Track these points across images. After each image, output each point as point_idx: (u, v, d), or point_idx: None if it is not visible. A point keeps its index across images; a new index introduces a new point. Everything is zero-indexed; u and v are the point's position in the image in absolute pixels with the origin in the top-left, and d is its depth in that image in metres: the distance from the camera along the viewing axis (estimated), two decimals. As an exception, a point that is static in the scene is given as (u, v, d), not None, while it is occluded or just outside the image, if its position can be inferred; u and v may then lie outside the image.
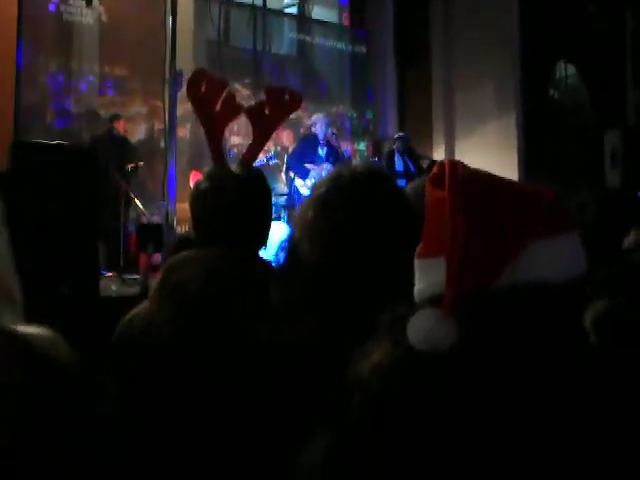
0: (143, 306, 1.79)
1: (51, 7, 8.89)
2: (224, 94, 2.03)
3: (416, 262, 1.02)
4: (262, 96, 2.10)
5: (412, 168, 9.28)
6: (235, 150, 9.07)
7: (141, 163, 8.19)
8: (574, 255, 1.00)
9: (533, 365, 0.93)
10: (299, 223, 1.57)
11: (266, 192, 1.97)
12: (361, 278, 1.45)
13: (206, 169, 2.01)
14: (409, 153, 9.42)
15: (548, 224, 0.98)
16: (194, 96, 2.06)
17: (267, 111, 2.03)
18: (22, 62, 8.64)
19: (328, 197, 1.53)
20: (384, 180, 1.62)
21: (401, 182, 8.83)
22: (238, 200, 1.87)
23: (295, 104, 2.10)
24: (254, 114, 2.11)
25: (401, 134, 9.62)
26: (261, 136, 2.07)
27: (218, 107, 2.03)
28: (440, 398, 0.93)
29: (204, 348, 1.61)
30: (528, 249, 0.95)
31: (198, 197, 1.93)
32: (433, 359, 0.93)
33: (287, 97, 2.07)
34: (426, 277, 1.00)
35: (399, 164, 9.27)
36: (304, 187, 8.12)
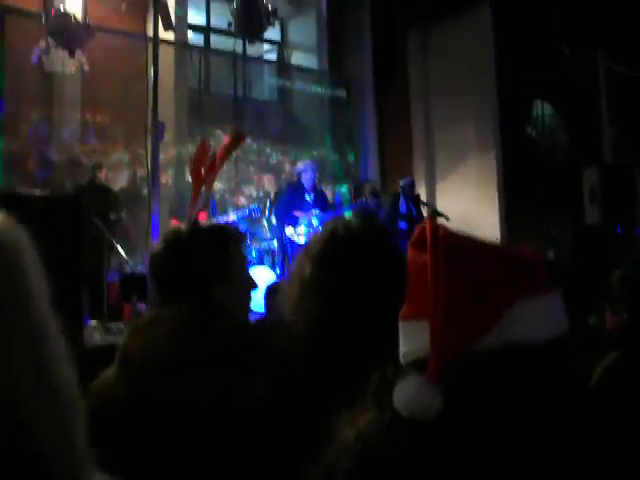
0: (110, 369, 1.81)
1: (34, 58, 8.95)
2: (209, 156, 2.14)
3: (400, 324, 1.02)
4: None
5: (414, 212, 9.38)
6: (216, 196, 9.09)
7: (123, 214, 8.18)
8: (556, 314, 1.00)
9: (519, 432, 0.93)
10: (296, 280, 1.57)
11: (211, 248, 1.99)
12: (358, 336, 1.45)
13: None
14: (413, 198, 9.54)
15: (530, 285, 0.98)
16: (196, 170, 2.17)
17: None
18: (4, 111, 8.67)
19: (324, 255, 1.54)
20: (379, 235, 1.64)
21: (403, 224, 8.94)
22: (179, 260, 1.92)
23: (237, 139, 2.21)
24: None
25: (407, 178, 9.74)
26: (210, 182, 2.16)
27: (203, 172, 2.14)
28: (423, 467, 0.93)
29: (172, 406, 1.63)
30: (511, 310, 0.95)
31: (155, 257, 1.99)
32: (418, 426, 0.93)
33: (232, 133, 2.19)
34: (410, 340, 1.00)
35: (403, 207, 9.35)
36: (295, 235, 8.14)
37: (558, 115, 13.85)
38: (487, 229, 11.72)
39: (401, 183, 9.70)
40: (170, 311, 1.88)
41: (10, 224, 0.79)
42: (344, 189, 11.47)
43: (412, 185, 9.70)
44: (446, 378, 0.93)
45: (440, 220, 9.77)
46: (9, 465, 0.70)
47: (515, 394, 0.95)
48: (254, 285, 2.04)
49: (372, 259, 1.54)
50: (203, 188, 2.61)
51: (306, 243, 1.70)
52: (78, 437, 0.79)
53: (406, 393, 0.95)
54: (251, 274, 2.08)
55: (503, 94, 12.30)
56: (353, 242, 1.57)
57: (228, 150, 2.25)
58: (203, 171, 2.24)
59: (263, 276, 8.21)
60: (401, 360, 1.02)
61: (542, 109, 14.10)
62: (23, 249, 0.80)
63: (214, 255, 1.95)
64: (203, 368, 1.71)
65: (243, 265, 2.03)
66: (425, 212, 9.64)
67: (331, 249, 1.55)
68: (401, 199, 9.40)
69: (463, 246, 1.00)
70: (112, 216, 7.94)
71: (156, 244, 2.00)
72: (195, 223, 2.09)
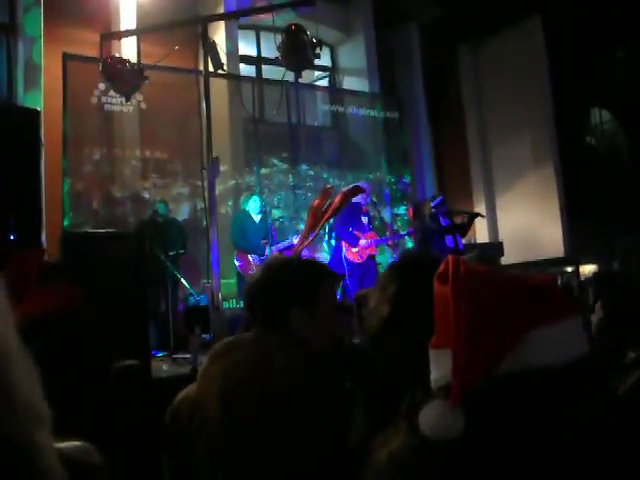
0: (191, 389, 1.86)
1: (93, 99, 9.26)
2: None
3: (430, 352, 1.08)
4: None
5: (450, 225, 9.41)
6: (276, 224, 9.19)
7: (182, 251, 8.32)
8: (575, 338, 1.04)
9: (539, 454, 0.97)
10: (375, 318, 1.61)
11: (310, 281, 2.03)
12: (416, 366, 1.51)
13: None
14: (446, 212, 9.55)
15: (546, 312, 1.02)
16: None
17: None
18: (68, 152, 8.96)
19: (401, 296, 1.60)
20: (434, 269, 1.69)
21: (448, 238, 9.00)
22: (276, 291, 1.95)
23: (350, 193, 2.25)
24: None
25: (441, 197, 9.75)
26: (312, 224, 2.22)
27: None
28: None
29: (250, 432, 1.67)
30: (530, 336, 0.99)
31: (248, 282, 2.04)
32: (444, 449, 0.98)
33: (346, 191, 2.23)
34: (438, 367, 1.06)
35: (443, 222, 9.40)
36: (352, 254, 8.16)
37: (617, 121, 13.62)
38: (550, 243, 11.56)
39: (432, 204, 9.71)
40: (248, 337, 1.92)
41: None
42: (401, 210, 11.45)
43: (443, 202, 9.71)
44: (469, 401, 0.98)
45: (477, 220, 9.77)
46: None
47: (533, 416, 0.98)
48: (339, 329, 2.04)
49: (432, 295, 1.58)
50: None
51: (380, 278, 1.74)
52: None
53: (430, 416, 1.00)
54: (340, 319, 2.06)
55: (559, 104, 12.17)
56: (423, 279, 1.60)
57: (344, 201, 2.33)
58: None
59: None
60: (432, 386, 1.07)
61: (600, 116, 13.88)
62: None
63: (303, 285, 1.98)
64: (276, 397, 1.73)
65: (331, 305, 2.02)
66: (460, 219, 9.59)
67: (406, 289, 1.58)
68: (439, 216, 9.41)
69: (482, 277, 1.05)
70: (175, 249, 8.07)
71: (256, 270, 2.07)
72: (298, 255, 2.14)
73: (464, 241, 9.45)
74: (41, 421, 0.87)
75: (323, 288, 1.99)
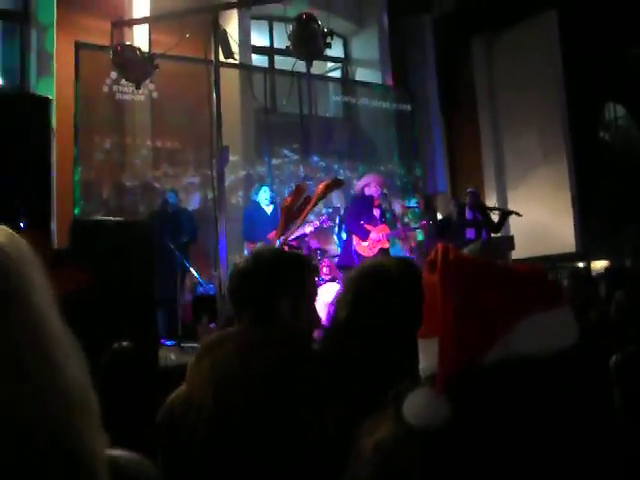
0: (180, 389, 1.86)
1: (105, 88, 9.27)
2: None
3: (419, 342, 1.08)
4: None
5: (479, 219, 9.44)
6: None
7: (192, 241, 8.33)
8: (563, 328, 1.03)
9: (522, 442, 0.96)
10: (334, 322, 1.71)
11: (299, 273, 2.02)
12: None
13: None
14: (479, 206, 9.57)
15: (535, 301, 1.01)
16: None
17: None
18: (79, 140, 8.98)
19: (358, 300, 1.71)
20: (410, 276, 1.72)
21: (470, 232, 9.02)
22: (267, 281, 1.94)
23: (331, 185, 2.25)
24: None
25: (471, 189, 9.78)
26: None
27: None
28: (434, 476, 0.97)
29: (242, 428, 1.66)
30: (519, 325, 0.99)
31: (231, 275, 2.02)
32: (429, 437, 0.98)
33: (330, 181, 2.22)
34: (426, 356, 1.05)
35: (469, 215, 9.42)
36: (363, 248, 8.08)
37: (631, 116, 13.53)
38: (561, 238, 11.50)
39: (466, 193, 9.75)
40: (236, 330, 1.91)
41: (10, 233, 0.89)
42: (412, 203, 11.40)
43: (476, 195, 9.72)
44: (455, 389, 0.98)
45: (512, 217, 9.81)
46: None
47: (518, 405, 0.98)
48: (318, 323, 2.05)
49: (405, 301, 1.62)
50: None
51: (345, 282, 1.82)
52: (84, 417, 0.86)
53: (415, 404, 1.01)
54: (318, 312, 2.08)
55: (572, 98, 12.10)
56: (376, 287, 1.70)
57: (324, 193, 2.33)
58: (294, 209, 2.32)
59: (334, 293, 8.21)
60: (421, 375, 1.07)
61: (614, 111, 13.79)
62: (25, 256, 0.89)
63: (293, 276, 1.98)
64: (266, 386, 1.73)
65: (312, 298, 2.03)
66: (496, 216, 9.60)
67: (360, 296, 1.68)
68: (467, 209, 9.41)
69: (471, 266, 1.05)
70: (184, 238, 8.08)
71: (239, 261, 2.04)
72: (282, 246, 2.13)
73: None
74: (86, 408, 0.86)
75: (309, 280, 2.01)
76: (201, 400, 1.74)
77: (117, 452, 0.94)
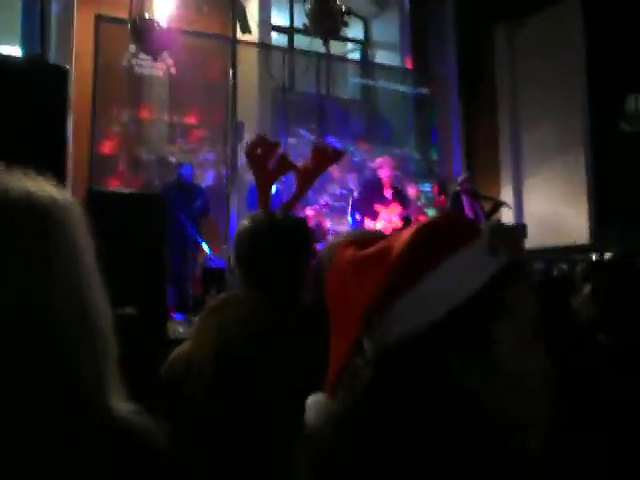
0: (183, 346, 1.87)
1: (124, 61, 9.29)
2: (278, 154, 2.21)
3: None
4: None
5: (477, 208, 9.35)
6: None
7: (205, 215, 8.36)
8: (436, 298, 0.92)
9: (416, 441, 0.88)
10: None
11: (304, 239, 2.02)
12: None
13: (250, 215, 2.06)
14: (473, 194, 9.48)
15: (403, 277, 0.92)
16: (251, 155, 2.24)
17: (310, 164, 2.18)
18: (97, 113, 9.02)
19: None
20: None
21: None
22: (274, 245, 1.94)
23: (336, 156, 2.24)
24: (301, 171, 2.26)
25: (466, 176, 9.70)
26: (303, 185, 2.19)
27: (271, 165, 2.20)
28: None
29: (242, 386, 1.67)
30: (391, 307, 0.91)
31: (239, 238, 2.01)
32: (319, 443, 0.96)
33: (330, 151, 2.21)
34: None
35: (466, 201, 9.36)
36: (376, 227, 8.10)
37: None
38: (575, 230, 11.43)
39: (459, 180, 9.67)
40: (243, 294, 1.91)
41: (65, 194, 0.99)
42: (426, 187, 11.37)
43: (468, 180, 9.66)
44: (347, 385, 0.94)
45: (503, 209, 9.72)
46: (43, 375, 0.84)
47: (410, 393, 0.90)
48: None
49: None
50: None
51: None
52: (107, 368, 0.95)
53: (311, 408, 1.00)
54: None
55: (594, 90, 11.96)
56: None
57: (327, 163, 2.29)
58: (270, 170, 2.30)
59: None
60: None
61: (636, 103, 13.63)
62: (76, 215, 0.99)
63: (308, 244, 2.02)
64: (267, 350, 1.74)
65: (310, 265, 2.03)
66: (488, 206, 9.54)
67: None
68: (463, 197, 9.34)
69: (341, 262, 1.00)
70: (197, 212, 8.11)
71: (243, 224, 2.03)
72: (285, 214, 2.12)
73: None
74: (109, 359, 0.96)
75: (311, 249, 2.04)
76: (202, 359, 1.75)
77: (131, 414, 0.96)
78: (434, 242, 0.93)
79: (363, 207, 8.21)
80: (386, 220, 8.06)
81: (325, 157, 2.26)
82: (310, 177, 2.25)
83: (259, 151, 2.26)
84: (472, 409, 0.88)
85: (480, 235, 0.94)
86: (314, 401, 1.00)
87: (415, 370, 0.90)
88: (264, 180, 2.24)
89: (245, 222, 2.03)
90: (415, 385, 0.89)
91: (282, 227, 1.99)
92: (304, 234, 2.05)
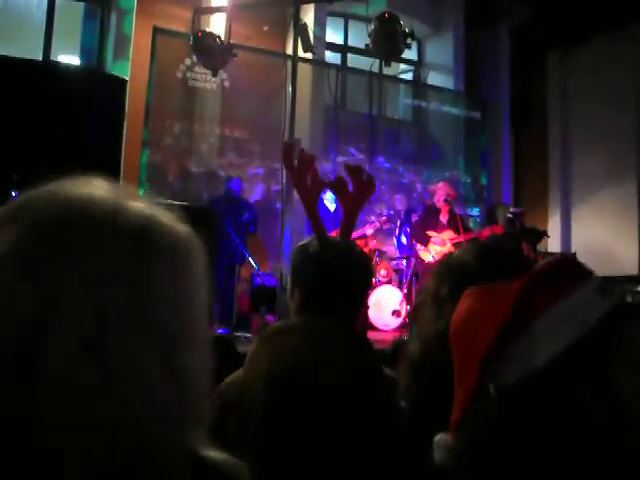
0: (236, 375, 1.82)
1: (179, 73, 9.39)
2: (313, 169, 2.12)
3: None
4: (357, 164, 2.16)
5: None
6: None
7: (253, 231, 8.37)
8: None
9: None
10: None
11: (369, 268, 1.99)
12: None
13: (310, 238, 2.03)
14: (519, 227, 9.47)
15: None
16: (289, 166, 2.16)
17: (351, 188, 2.11)
18: (149, 123, 9.12)
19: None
20: None
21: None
22: (342, 274, 1.89)
23: (372, 187, 2.18)
24: (338, 189, 2.19)
25: (517, 209, 9.66)
26: (350, 212, 2.13)
27: (309, 181, 2.12)
28: None
29: (294, 421, 1.63)
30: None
31: (301, 261, 1.96)
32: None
33: (365, 177, 2.14)
34: None
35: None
36: (424, 253, 8.00)
37: None
38: (625, 260, 11.22)
39: (511, 210, 9.58)
40: (299, 322, 1.87)
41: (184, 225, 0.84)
42: (475, 212, 11.27)
43: (520, 215, 9.56)
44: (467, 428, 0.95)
45: (575, 235, 9.60)
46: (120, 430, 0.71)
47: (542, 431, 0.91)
48: (368, 326, 2.03)
49: None
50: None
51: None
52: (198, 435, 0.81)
53: (437, 446, 1.00)
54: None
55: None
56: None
57: (367, 194, 2.19)
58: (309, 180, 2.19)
59: (390, 296, 8.18)
60: None
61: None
62: (197, 247, 0.84)
63: (370, 276, 1.97)
64: (330, 377, 1.69)
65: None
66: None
67: None
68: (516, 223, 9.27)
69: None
70: (244, 228, 8.11)
71: (306, 247, 1.99)
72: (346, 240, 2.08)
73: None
74: (199, 408, 0.81)
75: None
76: (255, 388, 1.71)
77: (217, 455, 0.88)
78: (550, 285, 0.94)
79: (418, 234, 8.16)
80: (439, 244, 7.96)
81: (363, 183, 2.19)
82: (355, 206, 2.18)
83: (295, 163, 2.17)
84: (599, 446, 0.88)
85: (591, 278, 0.95)
86: (441, 439, 1.00)
87: (538, 408, 0.91)
88: (306, 197, 2.15)
89: (308, 245, 1.98)
90: (539, 421, 0.90)
91: (352, 255, 1.96)
92: (368, 263, 2.03)
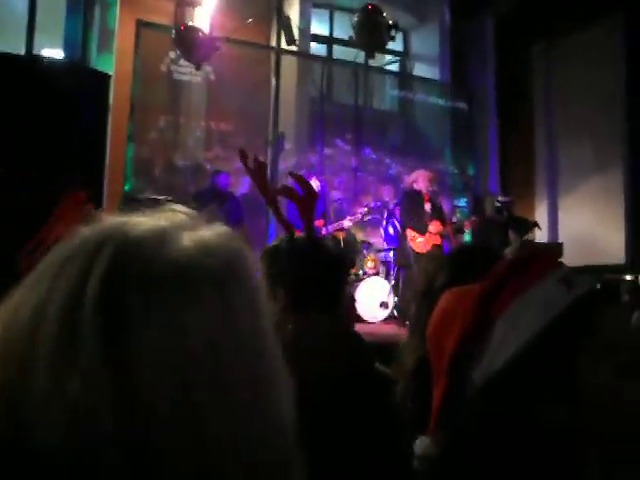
0: None
1: (163, 67, 9.34)
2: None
3: None
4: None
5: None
6: (335, 205, 9.14)
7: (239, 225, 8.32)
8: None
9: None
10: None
11: (345, 261, 2.00)
12: None
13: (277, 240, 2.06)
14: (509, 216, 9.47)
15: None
16: (250, 171, 2.29)
17: (301, 192, 2.20)
18: (134, 117, 9.07)
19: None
20: None
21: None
22: (323, 269, 1.91)
23: (316, 194, 2.26)
24: (290, 194, 2.28)
25: (506, 197, 9.64)
26: (306, 213, 2.19)
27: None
28: None
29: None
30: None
31: (274, 258, 1.96)
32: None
33: (308, 186, 2.23)
34: None
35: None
36: (418, 243, 7.81)
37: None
38: (611, 250, 11.27)
39: (499, 199, 9.58)
40: (289, 317, 1.86)
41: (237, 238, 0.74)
42: (462, 203, 11.28)
43: (508, 204, 9.55)
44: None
45: (562, 224, 9.63)
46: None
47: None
48: (354, 319, 2.05)
49: None
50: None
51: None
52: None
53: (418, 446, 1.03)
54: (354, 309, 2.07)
55: (633, 109, 11.81)
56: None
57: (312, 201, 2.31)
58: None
59: (377, 288, 8.16)
60: None
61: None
62: (252, 264, 0.75)
63: (343, 269, 2.00)
64: (322, 373, 1.69)
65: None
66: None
67: None
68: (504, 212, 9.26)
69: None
70: (230, 222, 8.07)
71: (278, 245, 2.00)
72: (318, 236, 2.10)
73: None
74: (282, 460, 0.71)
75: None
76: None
77: None
78: (522, 275, 0.97)
79: (410, 220, 7.96)
80: (433, 232, 7.83)
81: (310, 189, 2.27)
82: (308, 209, 2.25)
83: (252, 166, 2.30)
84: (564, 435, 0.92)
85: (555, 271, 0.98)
86: (421, 441, 1.02)
87: (503, 409, 0.93)
88: (269, 198, 2.29)
89: (280, 243, 2.00)
90: (502, 423, 0.92)
91: (325, 249, 1.97)
92: (343, 257, 2.04)
